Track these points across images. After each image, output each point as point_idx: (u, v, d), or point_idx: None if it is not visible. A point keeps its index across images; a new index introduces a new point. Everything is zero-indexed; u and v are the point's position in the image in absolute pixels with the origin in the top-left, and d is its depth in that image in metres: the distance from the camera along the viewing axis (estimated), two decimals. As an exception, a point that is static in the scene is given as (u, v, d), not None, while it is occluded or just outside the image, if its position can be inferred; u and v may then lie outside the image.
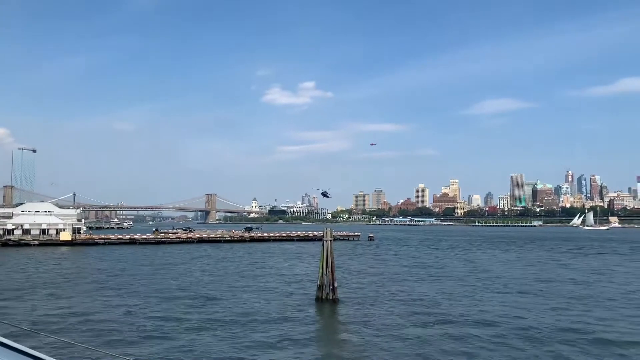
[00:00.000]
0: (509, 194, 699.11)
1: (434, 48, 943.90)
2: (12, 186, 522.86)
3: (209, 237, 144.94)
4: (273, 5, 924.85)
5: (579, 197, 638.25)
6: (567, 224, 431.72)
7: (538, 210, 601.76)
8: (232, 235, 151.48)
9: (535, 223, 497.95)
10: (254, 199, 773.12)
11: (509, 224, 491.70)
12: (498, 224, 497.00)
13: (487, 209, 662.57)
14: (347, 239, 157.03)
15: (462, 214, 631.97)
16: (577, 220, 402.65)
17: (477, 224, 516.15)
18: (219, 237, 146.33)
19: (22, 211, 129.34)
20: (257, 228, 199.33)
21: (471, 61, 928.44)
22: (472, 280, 58.01)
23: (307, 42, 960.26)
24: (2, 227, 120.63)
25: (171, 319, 35.16)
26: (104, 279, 57.88)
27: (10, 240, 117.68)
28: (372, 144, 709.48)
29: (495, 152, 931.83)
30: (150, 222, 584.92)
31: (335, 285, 44.21)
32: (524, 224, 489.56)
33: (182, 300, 43.05)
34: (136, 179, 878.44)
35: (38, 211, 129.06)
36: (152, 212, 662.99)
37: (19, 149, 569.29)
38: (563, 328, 33.15)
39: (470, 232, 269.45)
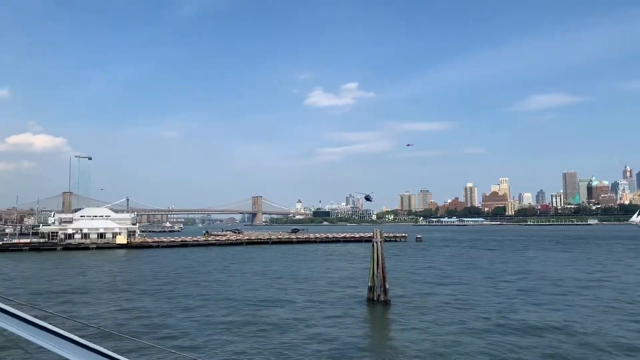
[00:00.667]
0: (562, 191, 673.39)
1: (477, 44, 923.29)
2: (70, 192, 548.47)
3: (257, 239, 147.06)
4: (313, 7, 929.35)
5: (639, 193, 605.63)
6: (625, 222, 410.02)
7: (594, 208, 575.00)
8: (279, 236, 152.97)
9: (591, 221, 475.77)
10: (299, 201, 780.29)
11: (563, 223, 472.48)
12: (551, 223, 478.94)
13: (539, 207, 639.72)
14: (393, 240, 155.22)
15: (513, 213, 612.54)
16: (636, 218, 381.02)
17: (529, 223, 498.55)
18: (267, 238, 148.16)
19: (81, 216, 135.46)
20: (303, 229, 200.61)
21: (517, 56, 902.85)
22: (530, 283, 55.89)
23: (349, 43, 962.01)
24: (63, 231, 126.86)
25: (229, 321, 35.77)
26: (163, 280, 59.60)
27: (70, 243, 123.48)
28: (408, 145, 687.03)
29: (546, 149, 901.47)
30: (200, 225, 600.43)
31: (387, 286, 43.73)
32: (579, 223, 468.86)
33: (238, 302, 43.72)
34: (185, 184, 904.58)
35: (96, 216, 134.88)
36: (201, 215, 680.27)
37: (75, 156, 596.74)
38: (630, 338, 31.33)
39: (523, 232, 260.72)
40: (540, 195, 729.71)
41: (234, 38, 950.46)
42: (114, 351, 5.44)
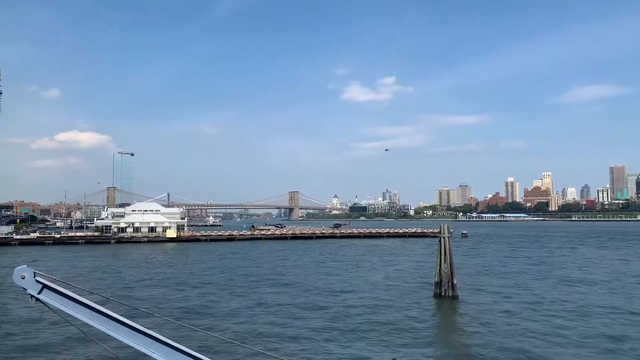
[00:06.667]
0: (608, 186, 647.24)
1: (517, 34, 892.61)
2: (114, 187, 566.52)
3: (301, 233, 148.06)
4: (350, 1, 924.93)
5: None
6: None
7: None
8: (323, 231, 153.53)
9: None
10: (335, 196, 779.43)
11: (611, 219, 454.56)
12: (598, 219, 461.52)
13: (584, 203, 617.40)
14: (437, 235, 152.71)
15: (557, 208, 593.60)
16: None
17: (573, 219, 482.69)
18: (311, 233, 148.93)
19: (133, 210, 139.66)
20: (345, 224, 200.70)
21: (560, 46, 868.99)
22: (603, 284, 54.01)
23: (386, 37, 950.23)
24: (116, 225, 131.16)
25: (297, 315, 36.17)
26: (232, 274, 60.81)
27: (123, 237, 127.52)
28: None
29: (592, 143, 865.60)
30: (238, 219, 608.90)
31: (455, 281, 43.23)
32: (628, 219, 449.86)
33: (306, 295, 44.26)
34: (223, 179, 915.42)
35: (146, 210, 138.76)
36: (239, 209, 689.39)
37: (119, 152, 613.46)
38: None
39: (571, 228, 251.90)
40: (585, 190, 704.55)
41: (270, 34, 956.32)
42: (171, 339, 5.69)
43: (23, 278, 5.54)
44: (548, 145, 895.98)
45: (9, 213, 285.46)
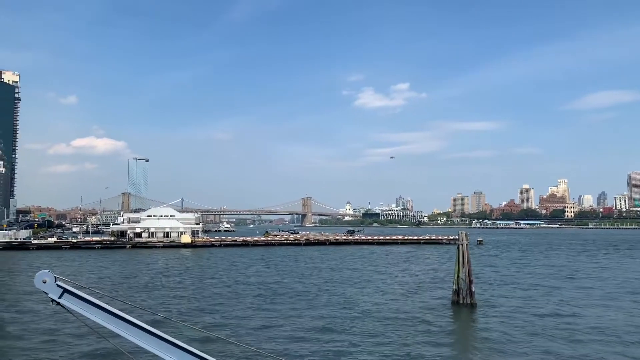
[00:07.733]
0: (626, 193, 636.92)
1: (531, 40, 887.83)
2: (129, 193, 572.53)
3: (315, 240, 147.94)
4: (364, 8, 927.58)
5: None
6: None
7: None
8: (337, 238, 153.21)
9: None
10: (348, 202, 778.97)
11: (629, 227, 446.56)
12: (615, 227, 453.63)
13: (601, 210, 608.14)
14: (452, 243, 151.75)
15: (573, 216, 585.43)
16: None
17: (590, 226, 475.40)
18: (324, 239, 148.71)
19: (148, 216, 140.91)
20: (359, 231, 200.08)
21: (574, 52, 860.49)
22: (627, 295, 52.73)
23: (400, 43, 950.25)
24: (132, 230, 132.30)
25: (311, 325, 36.00)
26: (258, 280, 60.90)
27: (139, 242, 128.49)
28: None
29: (608, 149, 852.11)
30: (251, 225, 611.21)
31: (473, 289, 42.77)
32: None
33: (321, 304, 44.13)
34: (236, 184, 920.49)
35: (162, 216, 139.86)
36: (252, 215, 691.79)
37: (133, 158, 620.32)
38: None
39: (588, 236, 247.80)
40: (602, 197, 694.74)
41: (283, 41, 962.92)
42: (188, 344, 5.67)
43: (44, 282, 5.62)
44: (564, 151, 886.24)
45: (26, 218, 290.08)
